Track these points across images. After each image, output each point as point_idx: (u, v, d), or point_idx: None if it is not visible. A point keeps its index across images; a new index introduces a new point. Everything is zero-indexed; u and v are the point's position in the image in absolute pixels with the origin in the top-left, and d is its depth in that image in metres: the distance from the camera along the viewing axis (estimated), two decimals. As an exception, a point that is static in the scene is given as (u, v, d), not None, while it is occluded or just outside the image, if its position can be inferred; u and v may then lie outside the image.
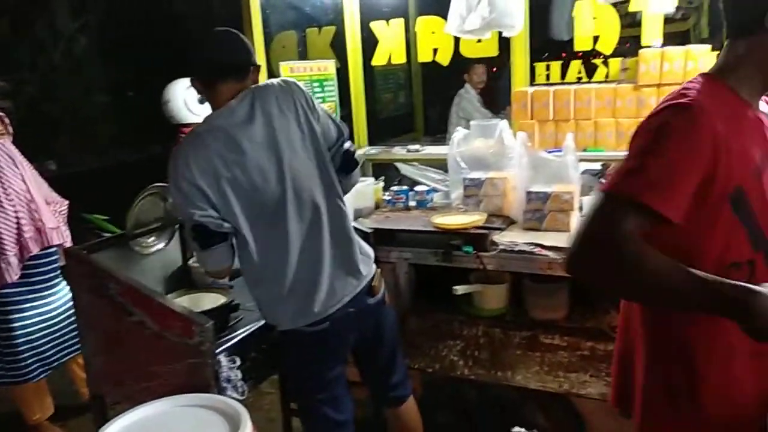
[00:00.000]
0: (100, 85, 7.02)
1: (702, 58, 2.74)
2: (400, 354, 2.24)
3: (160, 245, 2.42)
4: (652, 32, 2.92)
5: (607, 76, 3.12)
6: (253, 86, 1.92)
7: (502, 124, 2.84)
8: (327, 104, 3.34)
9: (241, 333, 1.95)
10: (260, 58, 3.19)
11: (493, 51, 3.31)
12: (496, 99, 5.47)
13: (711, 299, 1.15)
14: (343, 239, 1.96)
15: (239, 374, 1.80)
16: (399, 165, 3.37)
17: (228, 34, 1.91)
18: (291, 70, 3.22)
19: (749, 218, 1.23)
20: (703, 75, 1.30)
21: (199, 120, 1.92)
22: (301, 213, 1.88)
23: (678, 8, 3.70)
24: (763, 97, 1.37)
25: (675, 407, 1.34)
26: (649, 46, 2.92)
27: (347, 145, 2.03)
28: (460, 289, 2.52)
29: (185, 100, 3.73)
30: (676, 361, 1.32)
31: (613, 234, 1.12)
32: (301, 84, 1.99)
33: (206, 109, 1.94)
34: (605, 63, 3.11)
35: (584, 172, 2.84)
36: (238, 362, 1.82)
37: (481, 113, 5.39)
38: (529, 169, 2.68)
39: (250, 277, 1.95)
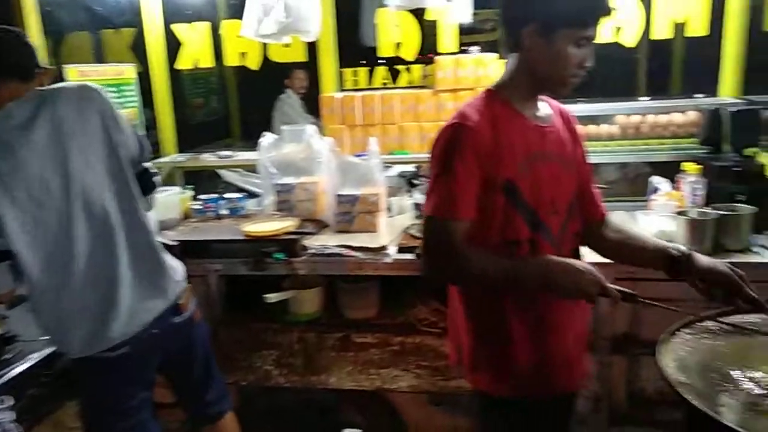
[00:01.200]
0: None
1: (491, 65, 2.97)
2: (216, 369, 2.14)
3: None
4: (448, 41, 3.12)
5: (409, 81, 3.28)
6: (43, 89, 1.73)
7: (310, 128, 2.86)
8: (127, 110, 3.12)
9: (16, 368, 1.73)
10: (44, 59, 2.90)
11: (301, 56, 3.32)
12: (319, 104, 5.51)
13: (528, 276, 1.41)
14: (145, 257, 1.83)
15: (12, 415, 1.60)
16: (221, 172, 3.25)
17: (6, 32, 1.72)
18: (80, 73, 2.96)
19: (522, 205, 1.47)
20: (485, 90, 1.52)
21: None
22: (91, 229, 1.72)
23: (488, 20, 4.04)
24: (545, 99, 1.58)
25: (495, 365, 1.56)
26: (446, 53, 3.11)
27: (147, 165, 1.91)
28: (271, 297, 2.48)
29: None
30: (493, 329, 1.54)
31: (446, 248, 1.41)
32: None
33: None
34: (408, 69, 3.27)
35: (400, 174, 2.95)
36: (10, 402, 1.61)
37: (303, 118, 5.39)
38: (338, 173, 2.73)
39: (32, 300, 1.75)
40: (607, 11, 1.41)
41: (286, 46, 3.23)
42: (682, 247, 1.56)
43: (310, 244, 2.49)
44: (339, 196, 2.65)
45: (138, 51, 3.68)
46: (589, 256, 1.70)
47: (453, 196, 1.41)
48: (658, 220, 2.46)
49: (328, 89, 3.26)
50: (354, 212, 2.61)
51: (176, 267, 1.95)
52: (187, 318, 1.95)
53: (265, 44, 3.20)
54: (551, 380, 1.57)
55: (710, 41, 3.04)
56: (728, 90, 3.00)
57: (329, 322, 2.59)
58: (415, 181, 2.91)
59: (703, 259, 1.51)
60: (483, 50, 3.11)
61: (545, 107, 1.57)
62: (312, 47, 3.28)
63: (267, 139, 2.88)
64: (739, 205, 2.37)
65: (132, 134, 1.86)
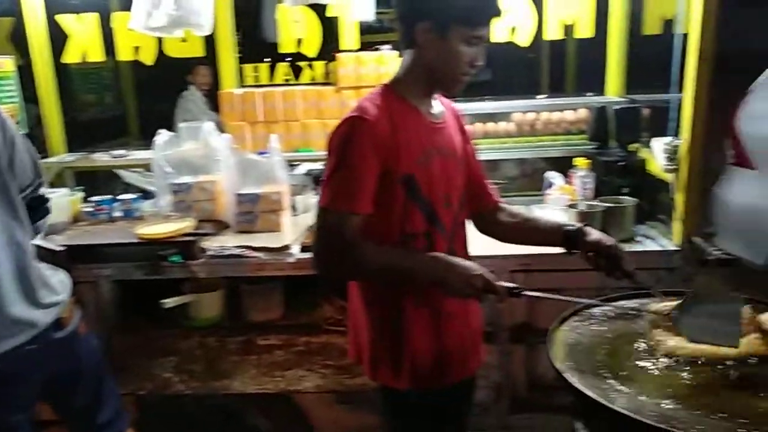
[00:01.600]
0: None
1: (392, 62, 2.99)
2: (109, 387, 1.96)
3: None
4: (349, 38, 3.10)
5: (312, 78, 3.24)
6: None
7: (207, 126, 2.76)
8: (6, 107, 2.89)
9: None
10: None
11: (199, 51, 3.21)
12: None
13: (419, 272, 1.43)
14: (19, 271, 1.69)
15: None
16: (120, 173, 3.06)
17: None
18: (-53, 66, 2.71)
19: (420, 199, 1.50)
20: (382, 85, 1.54)
21: None
22: None
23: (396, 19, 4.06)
24: (437, 97, 1.60)
25: (394, 358, 1.56)
26: (348, 51, 3.10)
27: (42, 191, 1.78)
28: (169, 302, 2.38)
29: None
30: (391, 323, 1.55)
31: (340, 242, 1.40)
32: None
33: None
34: (310, 66, 3.23)
35: (307, 172, 2.90)
36: None
37: (208, 116, 5.21)
38: (238, 171, 2.65)
39: None
40: (497, 13, 1.47)
41: (183, 40, 3.11)
42: (576, 223, 1.67)
43: (209, 246, 2.41)
44: (239, 195, 2.58)
45: (18, 42, 3.42)
46: (488, 248, 1.75)
47: (350, 189, 1.41)
48: (553, 213, 2.57)
49: (228, 85, 3.17)
50: (256, 211, 2.55)
51: (58, 280, 1.82)
52: (69, 333, 1.81)
53: (160, 38, 3.06)
54: (450, 370, 1.60)
55: (598, 43, 3.21)
56: (613, 89, 3.17)
57: (232, 326, 2.53)
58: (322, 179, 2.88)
59: (593, 232, 1.61)
60: (394, 49, 3.12)
61: (438, 104, 1.60)
62: (211, 42, 3.18)
63: (162, 137, 2.76)
64: (624, 197, 2.52)
65: (26, 158, 1.73)
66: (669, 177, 2.24)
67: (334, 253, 1.42)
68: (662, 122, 2.35)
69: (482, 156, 1.83)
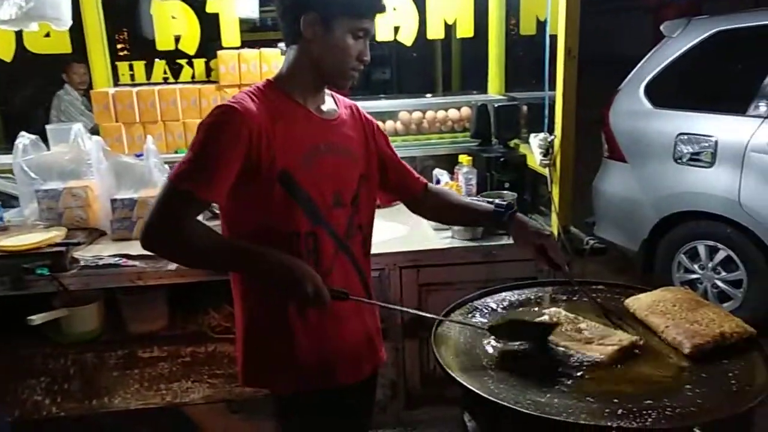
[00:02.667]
0: None
1: (274, 60, 2.92)
2: None
3: None
4: (230, 35, 3.00)
5: (193, 76, 3.11)
6: None
7: (77, 127, 2.57)
8: None
9: None
10: None
11: (65, 47, 2.98)
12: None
13: (248, 263, 1.42)
14: None
15: None
16: None
17: None
18: None
19: (302, 197, 1.45)
20: (266, 80, 1.50)
21: None
22: None
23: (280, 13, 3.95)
24: (333, 94, 1.59)
25: (279, 362, 1.53)
26: (229, 48, 2.99)
27: None
28: (37, 319, 2.17)
29: None
30: (274, 326, 1.51)
31: (176, 218, 1.35)
32: None
33: None
34: (190, 63, 3.09)
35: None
36: None
37: (87, 117, 4.87)
38: (112, 175, 2.49)
39: None
40: (381, 8, 1.48)
41: (47, 35, 2.88)
42: (506, 205, 1.70)
43: (82, 256, 2.26)
44: (114, 200, 2.42)
45: None
46: (377, 246, 1.74)
47: (202, 173, 1.35)
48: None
49: (101, 84, 2.97)
50: (134, 217, 2.41)
51: None
52: None
53: (19, 33, 2.81)
54: (340, 372, 1.57)
55: (481, 43, 3.31)
56: (495, 88, 3.29)
57: (111, 340, 2.37)
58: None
59: (523, 219, 1.68)
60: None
61: (331, 102, 1.58)
62: (82, 38, 2.97)
63: (23, 140, 2.53)
64: (506, 192, 2.61)
65: None
66: (545, 171, 2.35)
67: (166, 227, 1.36)
68: (539, 119, 2.45)
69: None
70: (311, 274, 1.38)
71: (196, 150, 1.37)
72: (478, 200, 1.92)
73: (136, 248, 2.28)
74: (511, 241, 1.72)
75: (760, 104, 3.44)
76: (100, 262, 2.23)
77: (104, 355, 2.30)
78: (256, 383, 1.63)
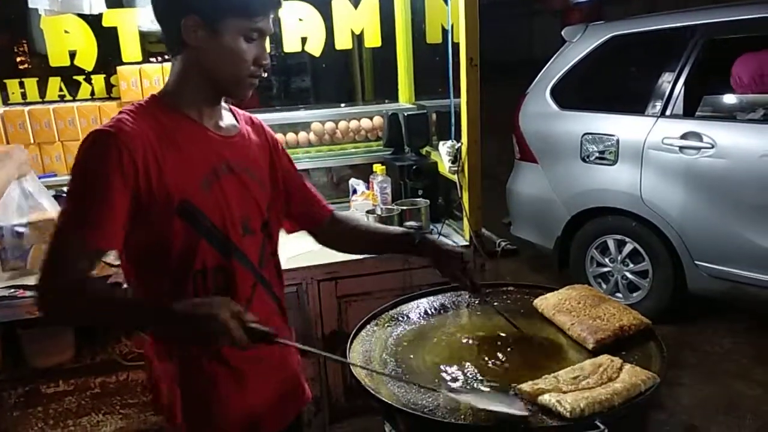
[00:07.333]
0: None
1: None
2: None
3: None
4: (130, 49, 2.88)
5: (93, 93, 2.96)
6: None
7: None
8: None
9: None
10: None
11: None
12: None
13: (144, 319, 1.26)
14: None
15: None
16: None
17: None
18: None
19: (207, 229, 1.28)
20: (150, 96, 1.31)
21: None
22: None
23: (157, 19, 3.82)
24: (232, 109, 1.44)
25: (198, 414, 1.36)
26: (130, 63, 2.87)
27: None
28: None
29: None
30: (194, 378, 1.34)
31: (61, 280, 1.17)
32: None
33: None
34: (88, 80, 2.95)
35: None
36: None
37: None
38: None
39: None
40: (275, 3, 1.29)
41: None
42: (416, 230, 1.70)
43: (-29, 290, 2.09)
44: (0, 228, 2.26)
45: None
46: (296, 260, 1.70)
47: (87, 218, 1.17)
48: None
49: (-12, 104, 2.78)
50: (26, 245, 2.26)
51: None
52: None
53: None
54: (265, 423, 1.43)
55: (391, 52, 3.34)
56: (405, 96, 3.32)
57: (10, 376, 2.21)
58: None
59: (435, 240, 1.64)
60: None
61: (229, 117, 1.41)
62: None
63: None
64: (419, 199, 2.64)
65: None
66: (455, 177, 2.39)
67: (54, 292, 1.19)
68: (448, 126, 2.49)
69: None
70: (225, 315, 1.16)
71: (73, 195, 1.20)
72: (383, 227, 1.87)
73: (33, 278, 2.15)
74: None
75: (656, 104, 3.65)
76: (-7, 296, 2.08)
77: (2, 394, 2.14)
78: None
